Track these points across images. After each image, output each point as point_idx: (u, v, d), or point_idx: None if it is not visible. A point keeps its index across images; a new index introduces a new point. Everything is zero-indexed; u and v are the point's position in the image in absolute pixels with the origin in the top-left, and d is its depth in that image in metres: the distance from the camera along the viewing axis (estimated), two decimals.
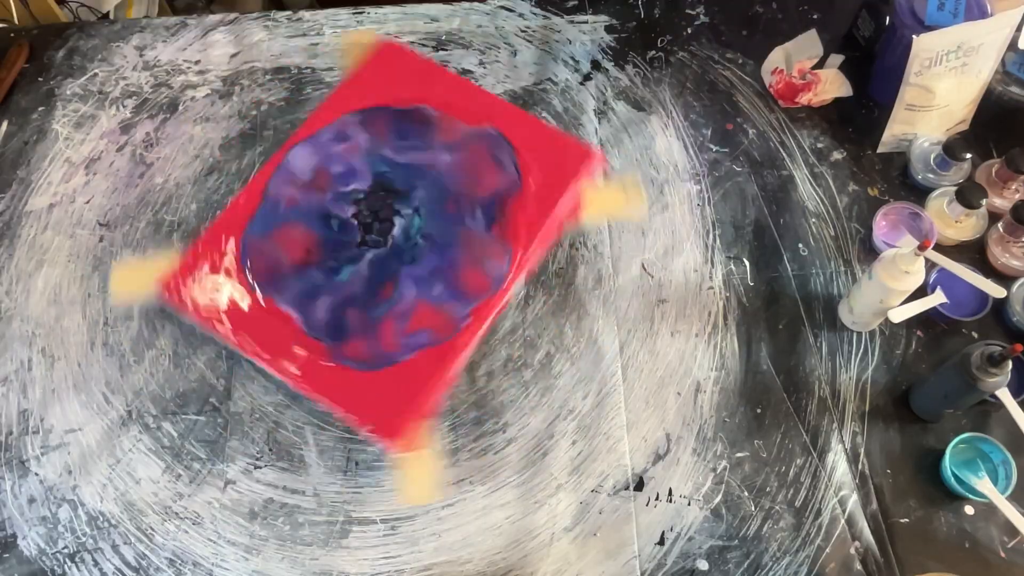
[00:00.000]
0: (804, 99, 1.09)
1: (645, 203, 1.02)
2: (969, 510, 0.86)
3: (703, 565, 0.85)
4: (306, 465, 0.89)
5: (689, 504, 0.87)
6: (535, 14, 1.19)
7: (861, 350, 0.94)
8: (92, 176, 1.06)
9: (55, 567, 0.85)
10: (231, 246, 0.91)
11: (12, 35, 1.17)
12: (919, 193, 1.03)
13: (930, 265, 0.93)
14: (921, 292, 0.89)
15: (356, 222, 0.92)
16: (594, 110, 1.10)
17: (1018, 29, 0.99)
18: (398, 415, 0.83)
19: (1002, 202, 1.00)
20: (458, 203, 0.93)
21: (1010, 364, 0.79)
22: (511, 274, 0.90)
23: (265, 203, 0.93)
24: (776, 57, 1.12)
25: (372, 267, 0.91)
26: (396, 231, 0.92)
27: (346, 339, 0.87)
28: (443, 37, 1.17)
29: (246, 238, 0.91)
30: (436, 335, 0.86)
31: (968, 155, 1.00)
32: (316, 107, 1.02)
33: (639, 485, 0.88)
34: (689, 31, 1.17)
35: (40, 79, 1.14)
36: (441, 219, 0.92)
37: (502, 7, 1.20)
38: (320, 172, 0.95)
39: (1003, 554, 0.84)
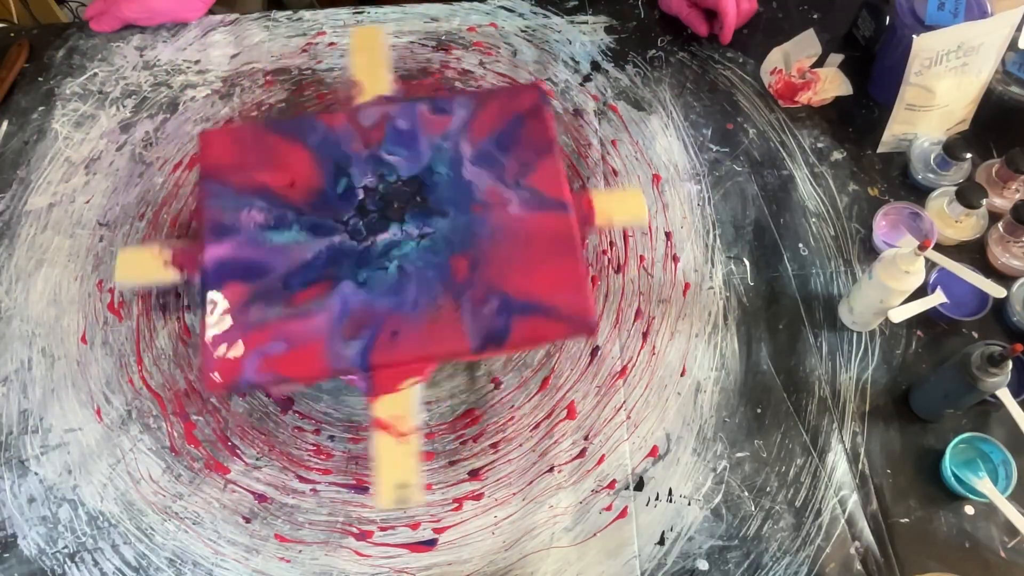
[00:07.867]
0: (804, 98, 1.09)
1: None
2: (969, 510, 0.86)
3: (703, 565, 0.85)
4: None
5: (689, 504, 0.87)
6: (535, 14, 1.19)
7: (861, 350, 0.94)
8: (92, 176, 1.06)
9: (55, 567, 0.85)
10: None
11: (12, 35, 1.17)
12: (919, 193, 1.03)
13: (930, 265, 0.93)
14: (921, 292, 0.89)
15: (361, 195, 0.79)
16: (594, 111, 1.10)
17: (1018, 29, 0.99)
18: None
19: (1002, 202, 1.00)
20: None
21: (1010, 364, 0.79)
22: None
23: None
24: (775, 57, 1.12)
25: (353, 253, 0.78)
26: (383, 237, 0.81)
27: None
28: (443, 37, 1.17)
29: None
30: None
31: (968, 155, 1.00)
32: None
33: (639, 485, 0.88)
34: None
35: (40, 79, 1.14)
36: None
37: (502, 7, 1.20)
38: (379, 127, 0.81)
39: (1003, 554, 0.84)
